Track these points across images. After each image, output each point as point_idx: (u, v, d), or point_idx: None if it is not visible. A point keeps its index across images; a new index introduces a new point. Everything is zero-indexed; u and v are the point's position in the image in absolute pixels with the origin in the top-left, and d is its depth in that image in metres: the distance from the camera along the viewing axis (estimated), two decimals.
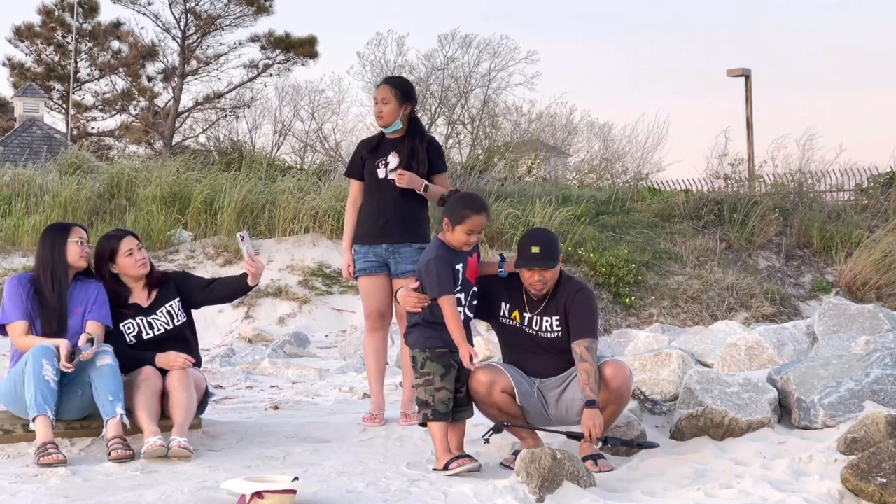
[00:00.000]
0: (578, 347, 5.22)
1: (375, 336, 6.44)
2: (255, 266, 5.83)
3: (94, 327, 5.62)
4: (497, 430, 5.20)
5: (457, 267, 5.20)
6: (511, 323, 5.43)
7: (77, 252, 5.73)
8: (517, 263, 5.31)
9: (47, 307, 5.63)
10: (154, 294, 5.90)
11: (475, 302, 5.37)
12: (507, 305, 5.43)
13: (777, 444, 5.38)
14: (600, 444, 5.13)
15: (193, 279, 6.11)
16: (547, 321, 5.36)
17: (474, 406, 5.31)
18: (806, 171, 19.73)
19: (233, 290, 6.01)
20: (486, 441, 5.23)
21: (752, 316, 14.31)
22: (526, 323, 5.40)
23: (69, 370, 5.36)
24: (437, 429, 5.13)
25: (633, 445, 5.15)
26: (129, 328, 5.81)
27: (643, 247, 15.93)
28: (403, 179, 6.20)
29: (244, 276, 5.88)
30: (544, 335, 5.37)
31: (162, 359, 5.69)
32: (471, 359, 5.03)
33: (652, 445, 5.14)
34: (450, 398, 5.12)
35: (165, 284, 5.95)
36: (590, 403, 5.09)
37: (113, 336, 5.72)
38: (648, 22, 56.94)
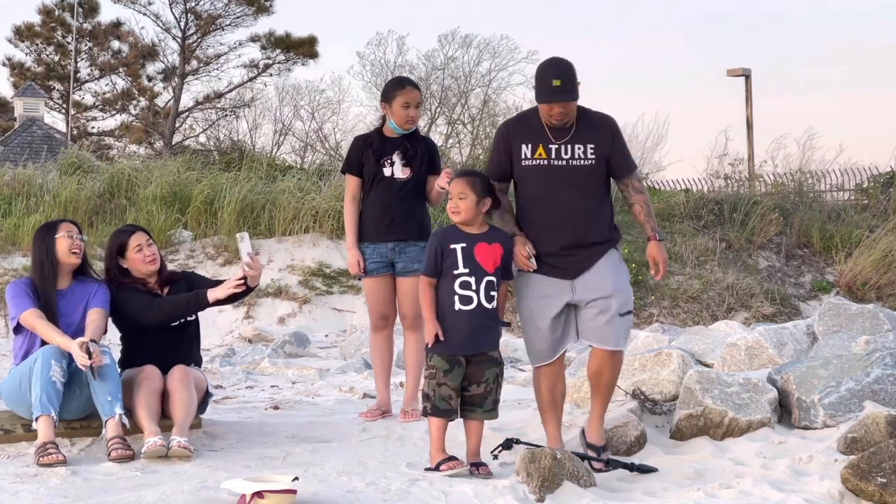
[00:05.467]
0: (630, 181, 5.35)
1: (380, 334, 6.50)
2: (254, 268, 5.81)
3: (96, 314, 5.64)
4: (507, 446, 5.20)
5: (451, 246, 5.09)
6: (535, 163, 5.21)
7: (66, 246, 5.69)
8: (538, 97, 5.11)
9: (44, 307, 5.63)
10: (167, 291, 5.92)
11: (492, 293, 5.13)
12: (529, 146, 5.21)
13: (777, 444, 5.38)
14: (603, 464, 5.14)
15: (202, 279, 6.12)
16: (580, 148, 5.19)
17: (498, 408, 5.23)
18: (806, 171, 19.74)
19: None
20: (495, 457, 5.21)
21: (752, 316, 14.31)
22: (553, 155, 5.19)
23: (90, 363, 5.33)
24: (435, 426, 5.10)
25: (634, 469, 5.16)
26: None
27: (643, 247, 15.89)
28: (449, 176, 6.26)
29: (243, 277, 5.86)
30: (577, 163, 5.18)
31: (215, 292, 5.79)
32: (436, 338, 5.02)
33: (651, 470, 5.16)
34: (450, 395, 5.07)
35: (177, 283, 5.97)
36: (656, 236, 5.31)
37: (144, 303, 5.76)
38: (648, 21, 56.97)
